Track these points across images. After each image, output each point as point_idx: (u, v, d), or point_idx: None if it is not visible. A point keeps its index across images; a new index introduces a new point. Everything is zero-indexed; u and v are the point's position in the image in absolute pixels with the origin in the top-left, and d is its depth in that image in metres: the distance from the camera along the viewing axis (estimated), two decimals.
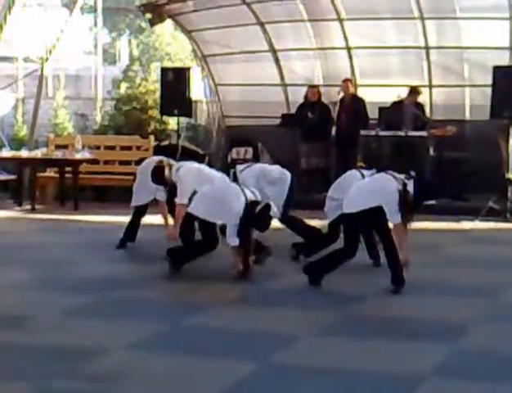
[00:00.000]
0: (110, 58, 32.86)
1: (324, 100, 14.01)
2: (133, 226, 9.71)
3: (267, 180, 9.15)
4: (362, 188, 7.82)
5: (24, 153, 14.04)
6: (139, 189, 9.53)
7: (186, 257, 8.25)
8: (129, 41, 29.26)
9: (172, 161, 9.29)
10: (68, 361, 5.53)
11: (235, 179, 9.21)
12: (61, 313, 6.82)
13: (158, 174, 9.00)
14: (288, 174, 9.24)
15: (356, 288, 7.79)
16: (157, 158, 9.56)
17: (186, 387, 5.10)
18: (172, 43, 27.97)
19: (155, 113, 15.60)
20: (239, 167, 9.43)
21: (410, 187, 7.41)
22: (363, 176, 8.49)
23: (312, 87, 14.11)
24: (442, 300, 7.33)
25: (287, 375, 5.33)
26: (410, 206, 7.42)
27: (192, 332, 6.33)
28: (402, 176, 7.55)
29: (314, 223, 9.51)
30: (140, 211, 9.68)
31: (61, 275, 8.32)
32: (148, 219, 9.89)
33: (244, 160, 11.13)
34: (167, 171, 8.96)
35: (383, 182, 7.58)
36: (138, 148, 14.44)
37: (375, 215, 7.49)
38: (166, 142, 14.71)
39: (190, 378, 5.24)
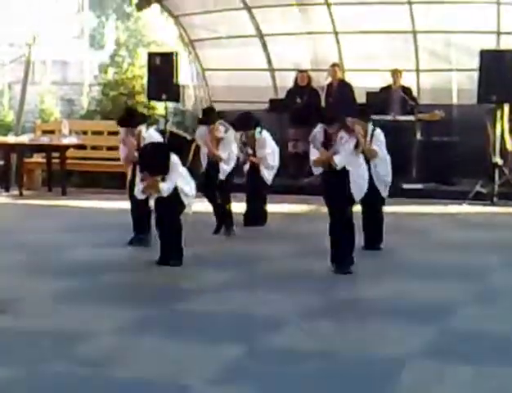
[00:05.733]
0: (96, 43, 32.64)
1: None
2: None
3: None
4: None
5: (10, 139, 14.02)
6: None
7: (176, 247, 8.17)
8: (116, 26, 29.05)
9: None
10: (56, 345, 5.52)
11: None
12: (49, 297, 6.82)
13: None
14: None
15: None
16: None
17: (174, 371, 5.09)
18: (158, 30, 27.85)
19: (142, 98, 15.55)
20: None
21: None
22: None
23: (301, 71, 14.08)
24: (430, 283, 7.35)
25: (275, 359, 5.34)
26: None
27: (180, 317, 6.34)
28: None
29: (302, 207, 9.50)
30: None
31: (49, 260, 8.32)
32: None
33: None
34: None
35: None
36: None
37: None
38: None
39: (177, 362, 5.24)
